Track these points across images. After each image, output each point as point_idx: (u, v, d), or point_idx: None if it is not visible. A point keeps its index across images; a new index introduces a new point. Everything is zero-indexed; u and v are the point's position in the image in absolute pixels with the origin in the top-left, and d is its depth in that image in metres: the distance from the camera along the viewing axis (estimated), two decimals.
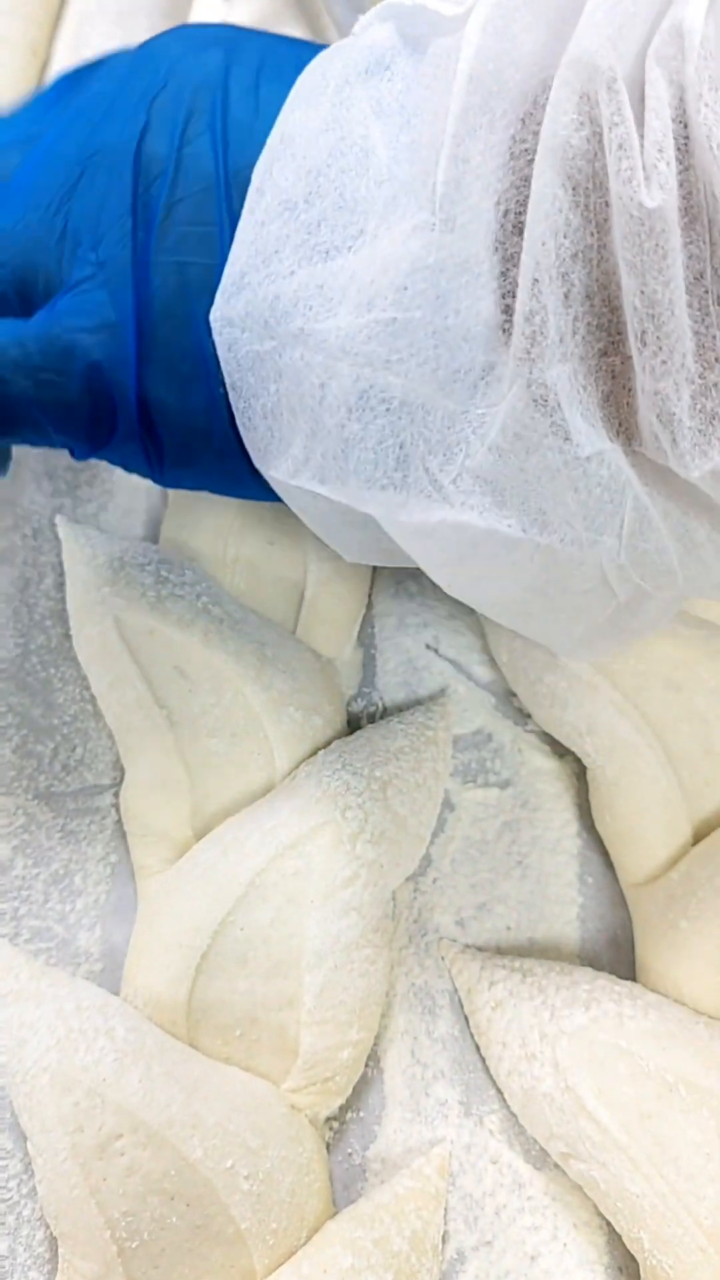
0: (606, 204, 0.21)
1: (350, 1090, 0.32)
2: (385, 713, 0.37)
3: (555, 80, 0.21)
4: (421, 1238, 0.29)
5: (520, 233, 0.22)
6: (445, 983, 0.34)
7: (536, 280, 0.22)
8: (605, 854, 0.35)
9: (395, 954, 0.34)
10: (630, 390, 0.22)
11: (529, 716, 0.37)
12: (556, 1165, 0.31)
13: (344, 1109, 0.32)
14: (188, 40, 0.27)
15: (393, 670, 0.38)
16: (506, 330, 0.23)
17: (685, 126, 0.20)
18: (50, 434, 0.27)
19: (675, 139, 0.20)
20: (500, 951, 0.34)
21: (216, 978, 0.31)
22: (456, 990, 0.33)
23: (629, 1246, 0.29)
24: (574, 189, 0.21)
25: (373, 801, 0.32)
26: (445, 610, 0.39)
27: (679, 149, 0.20)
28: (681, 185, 0.20)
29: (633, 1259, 0.29)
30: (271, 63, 0.26)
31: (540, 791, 0.36)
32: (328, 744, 0.35)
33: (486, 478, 0.24)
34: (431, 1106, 0.32)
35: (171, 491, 0.39)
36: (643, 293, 0.21)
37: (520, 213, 0.22)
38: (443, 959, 0.34)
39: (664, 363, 0.21)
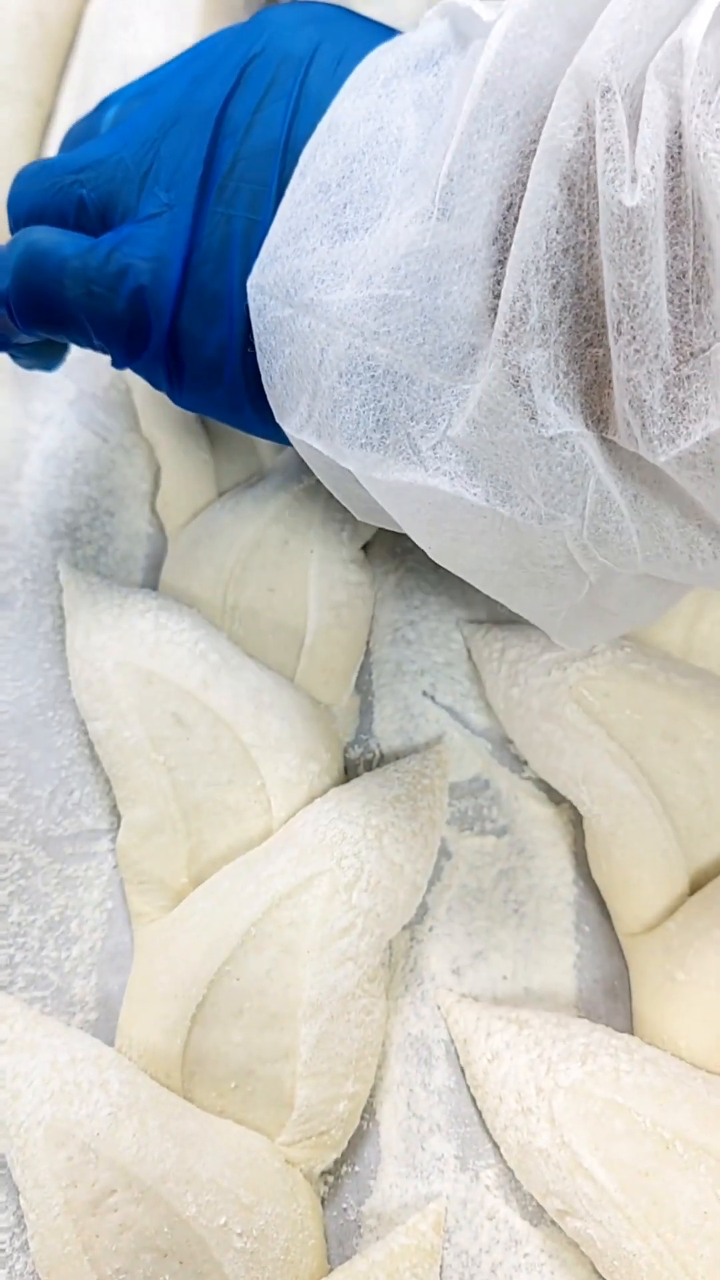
0: (597, 204, 0.22)
1: (345, 1144, 0.32)
2: (382, 759, 0.37)
3: (559, 88, 0.23)
4: None
5: None
6: (442, 1032, 0.34)
7: (523, 270, 0.23)
8: (602, 903, 0.35)
9: (391, 1003, 0.34)
10: (610, 381, 0.24)
11: (525, 763, 0.37)
12: (553, 1222, 0.30)
13: (339, 1163, 0.32)
14: (290, 16, 0.30)
15: (390, 717, 0.38)
16: (494, 315, 0.24)
17: (679, 136, 0.21)
18: (92, 339, 0.31)
19: (669, 147, 0.21)
20: (497, 1000, 0.34)
21: (212, 1029, 0.31)
22: (453, 1040, 0.33)
23: None
24: (569, 189, 0.23)
25: (369, 850, 0.32)
26: (442, 657, 0.39)
27: (672, 157, 0.21)
28: (672, 190, 0.22)
29: None
30: (356, 46, 0.29)
31: (537, 839, 0.36)
32: (325, 791, 0.35)
33: (463, 448, 0.25)
34: (427, 1161, 0.32)
35: (171, 539, 0.39)
36: (620, 285, 0.22)
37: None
38: (439, 1008, 0.34)
39: (637, 352, 0.23)
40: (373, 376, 0.26)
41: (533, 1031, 0.31)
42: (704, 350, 0.22)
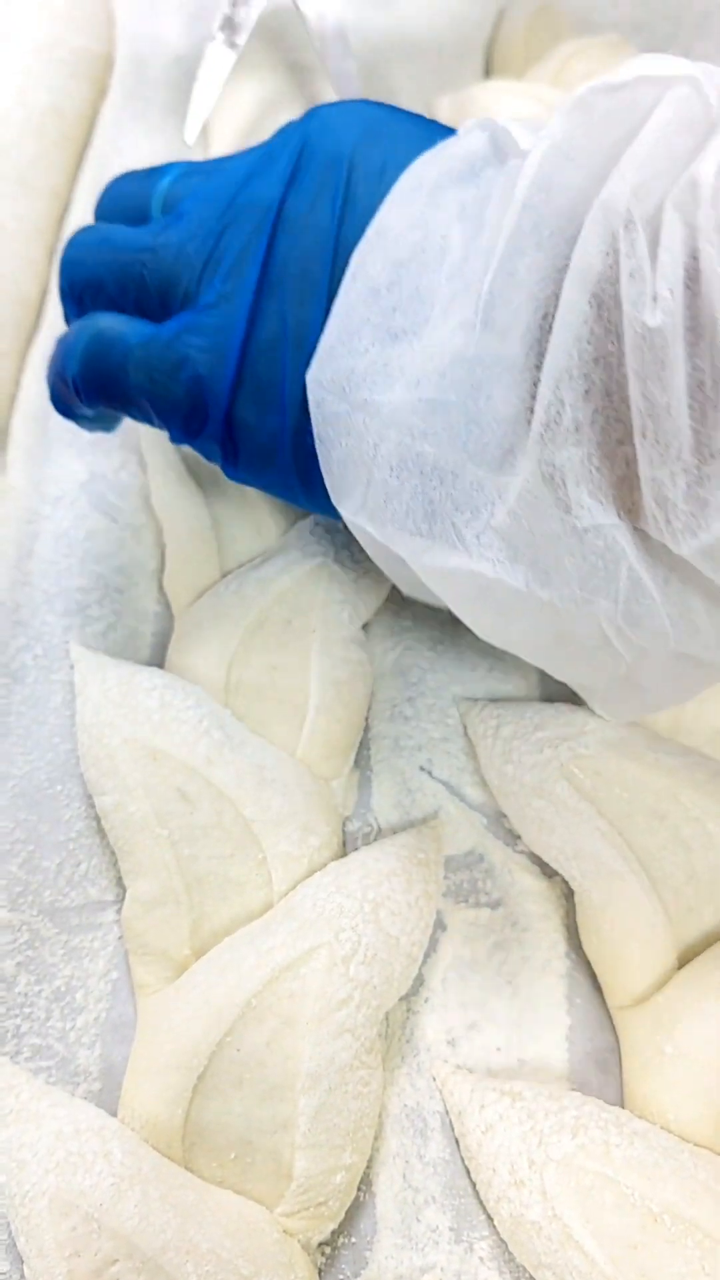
0: (623, 320, 0.25)
1: (342, 1215, 0.32)
2: (380, 833, 0.39)
3: (588, 218, 0.25)
4: None
5: None
6: (437, 1104, 0.34)
7: (558, 377, 0.26)
8: (593, 976, 0.36)
9: (388, 1074, 0.35)
10: (639, 476, 0.26)
11: (519, 838, 0.38)
12: None
13: (336, 1234, 0.32)
14: (336, 115, 0.32)
15: (388, 791, 0.39)
16: (532, 416, 0.27)
17: (696, 260, 0.24)
18: (153, 419, 0.33)
19: (687, 271, 0.24)
20: (491, 1072, 0.35)
21: (212, 1099, 0.32)
22: (448, 1112, 0.34)
23: None
24: (598, 305, 0.25)
25: (365, 923, 0.33)
26: (439, 733, 0.40)
27: (690, 279, 0.24)
28: (689, 309, 0.24)
29: None
30: (400, 148, 0.31)
31: (530, 912, 0.37)
32: (324, 864, 0.36)
33: (504, 536, 0.28)
34: (422, 1232, 0.32)
35: (178, 617, 0.41)
36: (644, 395, 0.25)
37: None
38: (434, 1080, 0.35)
39: (661, 454, 0.25)
40: (421, 472, 0.28)
41: (525, 1104, 0.32)
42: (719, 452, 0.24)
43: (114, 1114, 0.33)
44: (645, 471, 0.25)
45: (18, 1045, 0.35)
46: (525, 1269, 0.31)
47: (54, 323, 0.50)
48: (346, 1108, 0.32)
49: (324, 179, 0.31)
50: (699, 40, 0.61)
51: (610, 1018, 0.35)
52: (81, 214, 0.53)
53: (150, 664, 0.41)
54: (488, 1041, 0.35)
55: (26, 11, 0.55)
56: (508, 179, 0.28)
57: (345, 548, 0.40)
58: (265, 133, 0.50)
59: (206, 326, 0.31)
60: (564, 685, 0.41)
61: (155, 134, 0.56)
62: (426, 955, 0.36)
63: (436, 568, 0.29)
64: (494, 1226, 0.32)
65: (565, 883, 0.37)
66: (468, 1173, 0.33)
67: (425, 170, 0.30)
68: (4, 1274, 0.32)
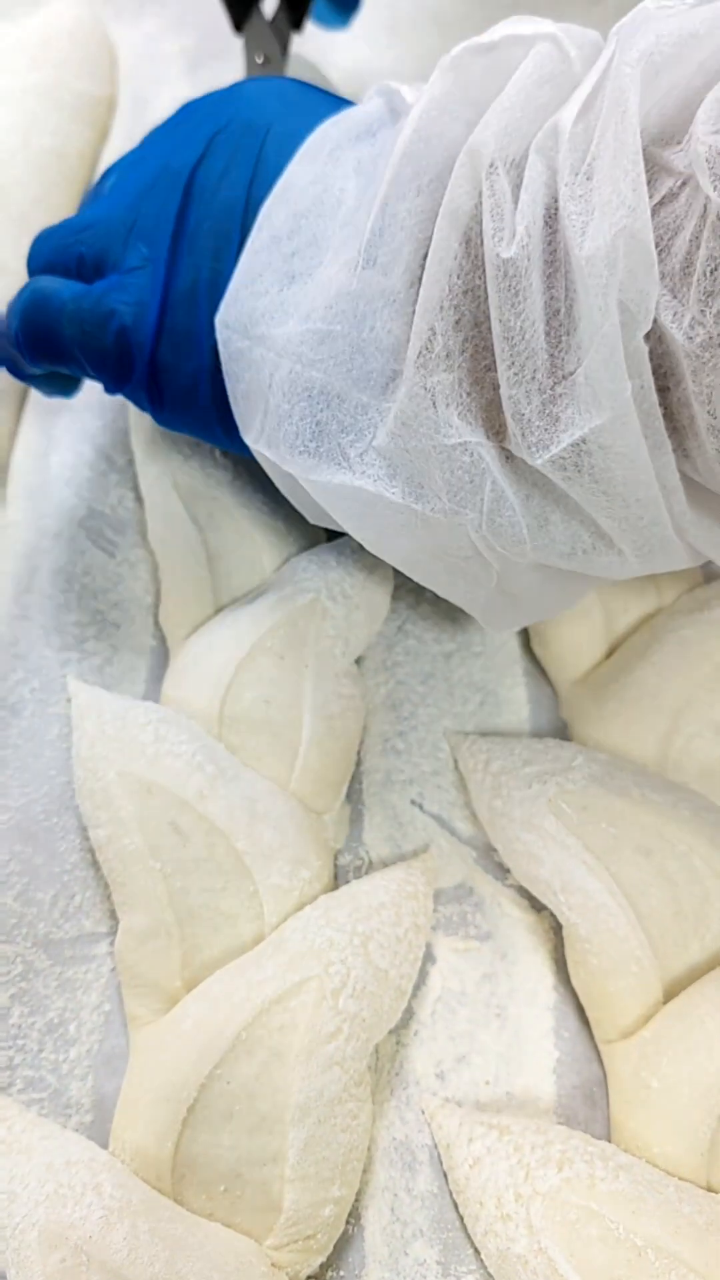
0: (485, 253, 0.27)
1: (331, 1248, 0.32)
2: (372, 866, 0.39)
3: (456, 162, 0.28)
4: None
5: None
6: (425, 1137, 0.35)
7: (430, 308, 0.28)
8: (581, 1009, 0.36)
9: (377, 1107, 0.35)
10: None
11: (508, 871, 0.39)
12: None
13: (324, 1267, 0.33)
14: (256, 89, 0.36)
15: (379, 825, 0.40)
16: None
17: (555, 200, 0.26)
18: (86, 369, 0.36)
19: (546, 209, 0.26)
20: (479, 1105, 0.35)
21: (202, 1132, 0.32)
22: (436, 1145, 0.34)
23: None
24: (466, 243, 0.28)
25: (354, 956, 0.34)
26: (430, 767, 0.41)
27: (549, 216, 0.26)
28: (549, 244, 0.26)
29: None
30: (310, 118, 0.34)
31: (518, 945, 0.38)
32: (315, 897, 0.36)
33: (384, 456, 0.30)
34: (410, 1266, 0.33)
35: (173, 651, 0.42)
36: (501, 321, 0.27)
37: None
38: (423, 1113, 0.35)
39: (517, 375, 0.27)
40: (310, 396, 0.31)
41: (513, 1138, 0.33)
42: (571, 373, 0.27)
43: (105, 1147, 0.33)
44: (505, 391, 0.28)
45: (11, 1077, 0.35)
46: None
47: None
48: (335, 1140, 0.32)
49: (240, 144, 0.34)
50: None
51: (598, 1051, 0.36)
52: None
53: (145, 697, 0.42)
54: (476, 1075, 0.36)
55: (30, 56, 0.56)
56: (395, 134, 0.31)
57: (338, 584, 0.41)
58: None
59: (131, 285, 0.34)
60: (554, 721, 0.42)
61: None
62: (416, 988, 0.37)
63: (324, 483, 0.32)
64: (481, 1260, 0.32)
65: (554, 916, 0.37)
66: (455, 1206, 0.33)
67: (329, 132, 0.33)
68: None
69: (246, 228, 0.33)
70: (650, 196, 0.25)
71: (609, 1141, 0.33)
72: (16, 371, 0.40)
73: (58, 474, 0.47)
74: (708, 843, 0.35)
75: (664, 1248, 0.29)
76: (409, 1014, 0.36)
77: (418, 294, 0.29)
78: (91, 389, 0.50)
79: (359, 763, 0.41)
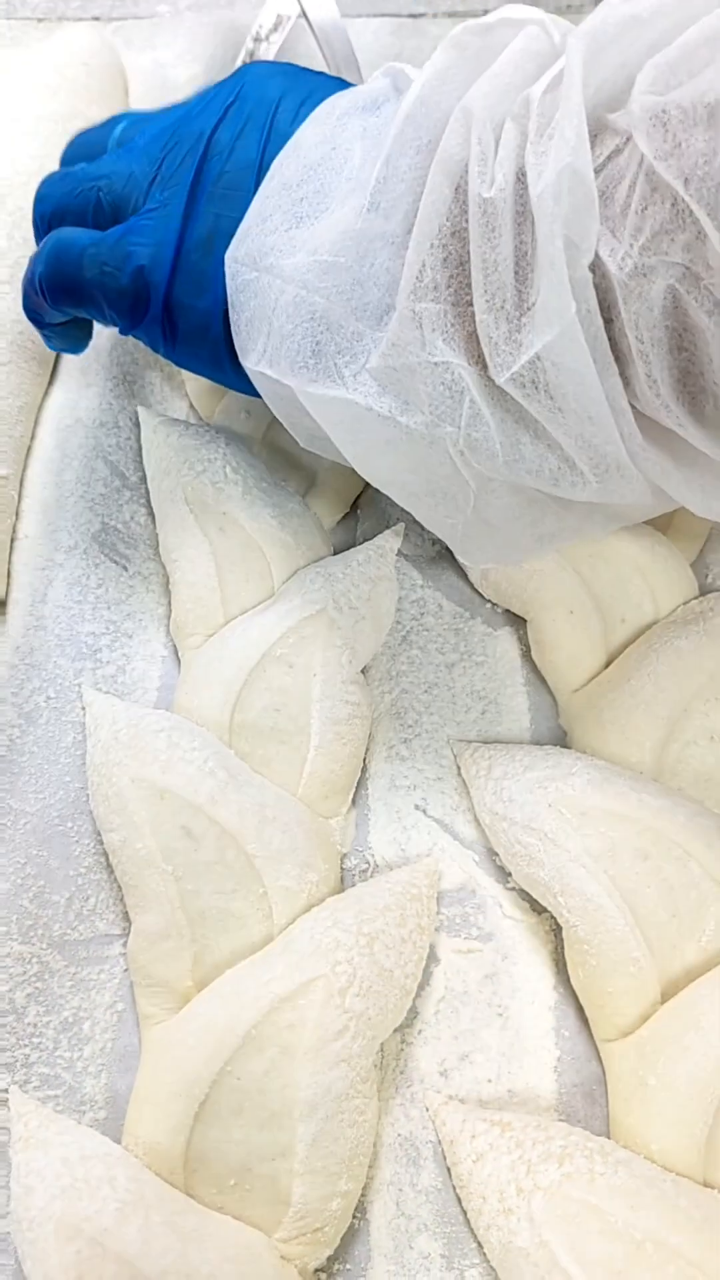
0: (469, 194, 0.31)
1: (338, 1241, 0.33)
2: (377, 869, 0.40)
3: (450, 118, 0.32)
4: None
5: None
6: (429, 1133, 0.36)
7: (421, 244, 0.32)
8: (581, 1009, 0.37)
9: (383, 1104, 0.36)
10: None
11: (510, 874, 0.40)
12: None
13: (331, 1260, 0.34)
14: (264, 69, 0.40)
15: (384, 828, 0.41)
16: None
17: (523, 158, 0.30)
18: (104, 311, 0.39)
19: (517, 166, 0.30)
20: (482, 1102, 0.36)
21: (213, 1127, 0.33)
22: (440, 1141, 0.35)
23: None
24: (455, 189, 0.31)
25: (361, 956, 0.35)
26: (433, 773, 0.42)
27: (520, 174, 0.30)
28: (519, 196, 0.30)
29: None
30: (316, 93, 0.38)
31: (519, 946, 0.39)
32: (323, 899, 0.38)
33: (376, 375, 0.33)
34: (415, 1259, 0.34)
35: (184, 662, 0.43)
36: (479, 255, 0.31)
37: None
38: (427, 1110, 0.36)
39: (489, 303, 0.31)
40: (312, 319, 0.34)
41: (514, 1134, 0.33)
42: (532, 305, 0.30)
43: (119, 1141, 0.34)
44: (479, 317, 0.31)
45: (27, 1074, 0.36)
46: None
47: (67, 379, 0.52)
48: (343, 1135, 0.33)
49: (252, 113, 0.38)
50: None
51: (597, 1050, 0.37)
52: None
53: (157, 705, 0.43)
54: (479, 1072, 0.37)
55: (45, 83, 0.58)
56: (399, 103, 0.35)
57: (345, 595, 0.42)
58: None
59: (147, 227, 0.37)
60: (553, 728, 0.43)
61: None
62: (420, 987, 0.38)
63: (319, 396, 0.35)
64: (484, 1254, 0.33)
65: (554, 918, 0.38)
66: (459, 1201, 0.34)
67: (337, 102, 0.37)
68: None
69: (259, 182, 0.37)
70: (600, 153, 0.29)
71: (608, 1138, 0.34)
72: (37, 319, 0.43)
73: (72, 489, 0.49)
74: (703, 847, 0.36)
75: (662, 1240, 0.30)
76: (413, 1013, 0.37)
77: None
78: (104, 406, 0.51)
79: (365, 768, 0.42)
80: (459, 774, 0.42)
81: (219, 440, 0.46)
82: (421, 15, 0.67)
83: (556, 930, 0.39)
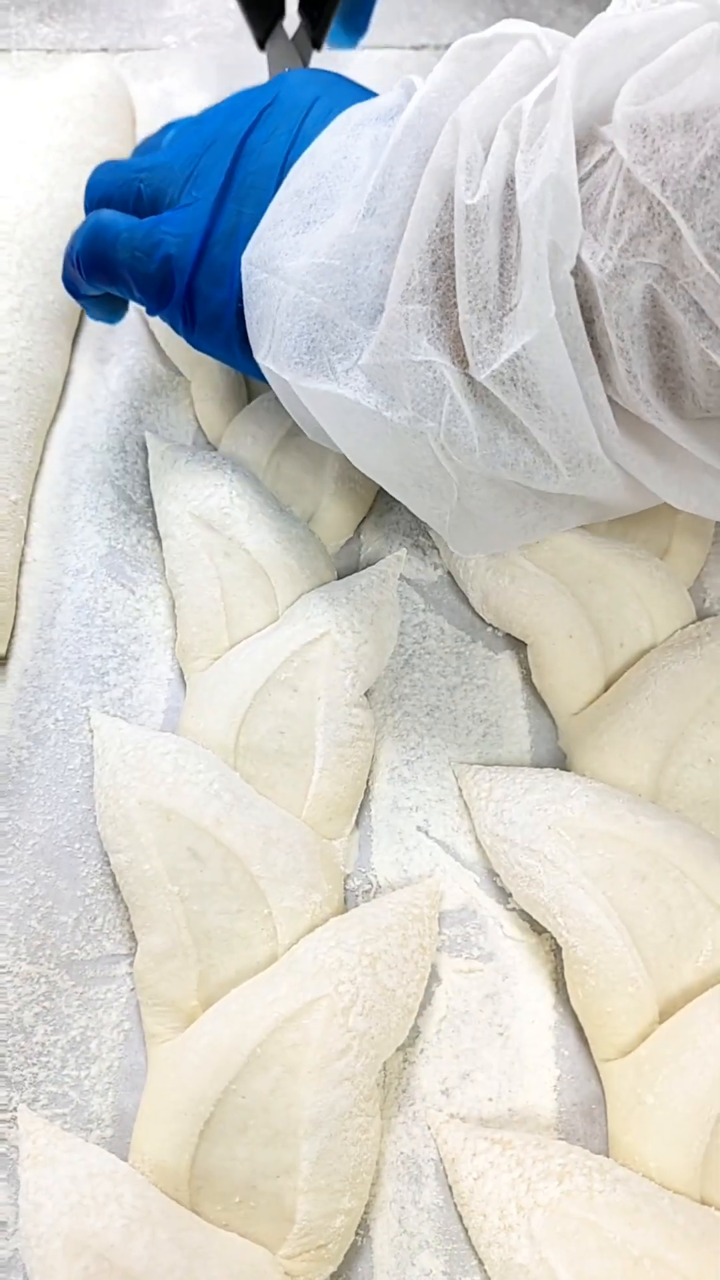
0: (455, 202, 0.32)
1: (341, 1258, 0.34)
2: (380, 889, 0.41)
3: (442, 131, 0.34)
4: None
5: None
6: (432, 1151, 0.36)
7: (411, 250, 0.33)
8: (580, 1028, 0.38)
9: (385, 1122, 0.36)
10: None
11: (510, 895, 0.40)
12: None
13: (334, 1277, 0.34)
14: (300, 78, 0.42)
15: (387, 849, 0.42)
16: None
17: (513, 167, 0.31)
18: (133, 290, 0.43)
19: (507, 173, 0.32)
20: (483, 1120, 0.37)
21: (218, 1145, 0.33)
22: (441, 1159, 0.36)
23: None
24: (445, 196, 0.33)
25: (363, 976, 0.35)
26: (435, 794, 0.43)
27: (509, 180, 0.31)
28: (507, 202, 0.31)
29: None
30: (344, 101, 0.40)
31: (520, 966, 0.39)
32: (326, 919, 0.38)
33: (366, 372, 0.35)
34: (417, 1276, 0.34)
35: (190, 685, 0.44)
36: (463, 258, 0.32)
37: None
38: (429, 1128, 0.36)
39: (471, 304, 0.32)
40: (308, 318, 0.36)
41: (515, 1152, 0.34)
42: (514, 306, 0.32)
43: (126, 1159, 0.34)
44: (462, 317, 0.33)
45: (35, 1092, 0.37)
46: None
47: (74, 404, 0.53)
48: (346, 1153, 0.33)
49: (284, 118, 0.40)
50: None
51: (596, 1069, 0.37)
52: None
53: (164, 728, 0.44)
54: (480, 1091, 0.37)
55: (54, 114, 0.59)
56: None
57: (348, 619, 0.42)
58: None
59: (179, 219, 0.40)
60: (553, 751, 0.44)
61: None
62: (422, 1007, 0.38)
63: (313, 389, 0.37)
64: (485, 1271, 0.34)
65: (554, 938, 0.39)
66: (460, 1218, 0.35)
67: (353, 113, 0.39)
68: None
69: (280, 184, 0.39)
70: (587, 162, 0.31)
71: (607, 1156, 0.35)
72: (74, 291, 0.46)
73: (79, 513, 0.50)
74: (701, 868, 0.37)
75: (659, 1257, 0.31)
76: (415, 1032, 0.38)
77: None
78: (111, 431, 0.52)
79: (368, 790, 0.43)
80: (460, 796, 0.43)
81: (225, 466, 0.47)
82: (424, 47, 0.68)
83: (556, 950, 0.39)
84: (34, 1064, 0.37)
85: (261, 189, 0.39)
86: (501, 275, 0.32)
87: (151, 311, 0.43)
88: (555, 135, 0.30)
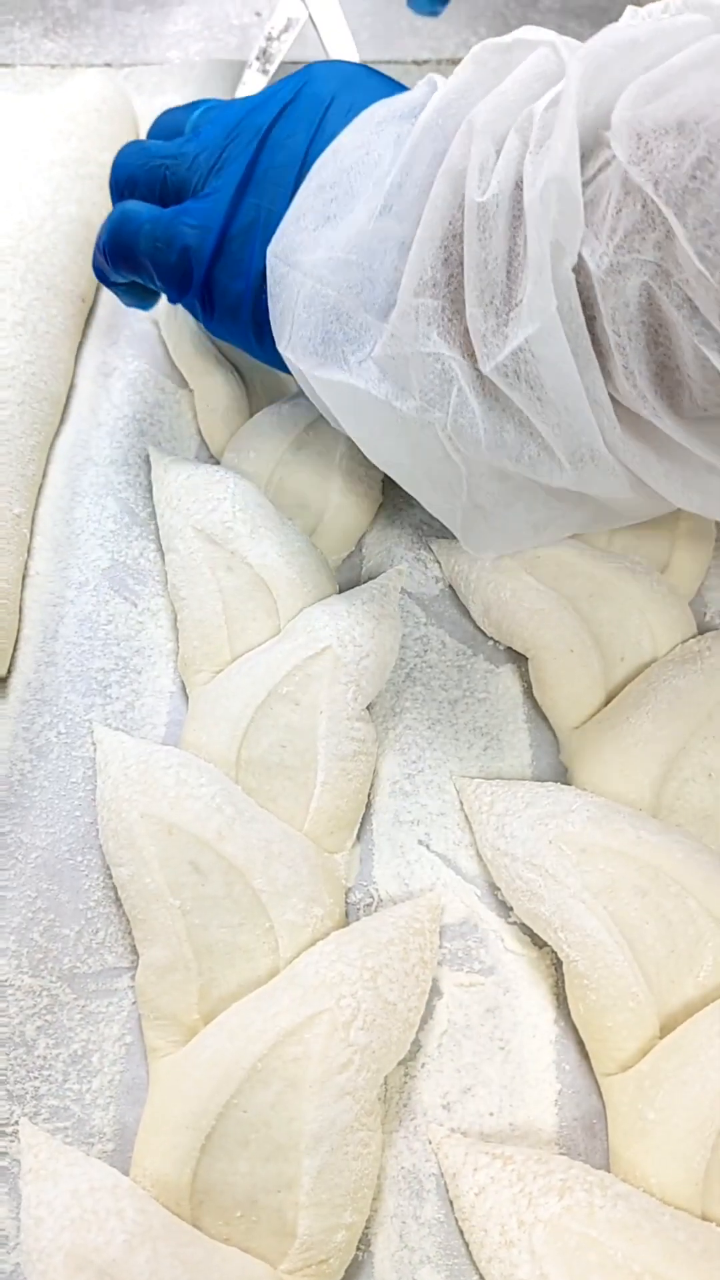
0: (466, 200, 0.33)
1: (343, 1273, 0.34)
2: (381, 903, 0.41)
3: (457, 132, 0.35)
4: None
5: None
6: (433, 1166, 0.36)
7: (423, 246, 0.34)
8: (581, 1043, 0.38)
9: (386, 1137, 0.36)
10: None
11: (511, 909, 0.40)
12: None
13: None
14: (325, 70, 0.43)
15: (388, 863, 0.42)
16: None
17: (522, 168, 0.32)
18: (154, 279, 0.44)
19: (517, 173, 0.32)
20: (484, 1135, 0.37)
21: (219, 1159, 0.33)
22: (443, 1174, 0.36)
23: None
24: (457, 194, 0.34)
25: (365, 990, 0.35)
26: (436, 808, 0.43)
27: (518, 181, 0.32)
28: (515, 202, 0.32)
29: None
30: (367, 97, 0.41)
31: (521, 980, 0.39)
32: (328, 933, 0.38)
33: (378, 364, 0.37)
34: None
35: (192, 698, 0.44)
36: (471, 254, 0.33)
37: None
38: (430, 1143, 0.36)
39: (478, 298, 0.33)
40: (324, 310, 0.38)
41: (516, 1167, 0.34)
42: (519, 302, 0.33)
43: (127, 1173, 0.34)
44: (469, 311, 0.34)
45: (37, 1106, 0.37)
46: None
47: (78, 418, 0.54)
48: (347, 1168, 0.33)
49: (306, 112, 0.41)
50: None
51: (597, 1084, 0.37)
52: (103, 315, 0.57)
53: (166, 741, 0.44)
54: (481, 1106, 0.37)
55: (58, 129, 0.59)
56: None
57: (350, 633, 0.43)
58: None
59: (198, 211, 0.41)
60: (554, 765, 0.44)
61: None
62: (423, 1021, 0.38)
63: (325, 379, 0.38)
64: None
65: (555, 953, 0.39)
66: (461, 1234, 0.35)
67: (378, 110, 0.39)
68: None
69: (300, 179, 0.40)
70: (592, 165, 0.32)
71: (608, 1171, 0.35)
72: (104, 278, 0.47)
73: (82, 526, 0.50)
74: (701, 883, 0.37)
75: (660, 1273, 0.31)
76: (416, 1046, 0.38)
77: None
78: (114, 444, 0.52)
79: (369, 804, 0.43)
80: (462, 809, 0.43)
81: (227, 479, 0.47)
82: (426, 62, 0.69)
83: (557, 965, 0.39)
84: (36, 1077, 0.37)
85: (281, 183, 0.40)
86: (509, 271, 0.33)
87: (173, 300, 0.44)
88: (560, 137, 0.31)
